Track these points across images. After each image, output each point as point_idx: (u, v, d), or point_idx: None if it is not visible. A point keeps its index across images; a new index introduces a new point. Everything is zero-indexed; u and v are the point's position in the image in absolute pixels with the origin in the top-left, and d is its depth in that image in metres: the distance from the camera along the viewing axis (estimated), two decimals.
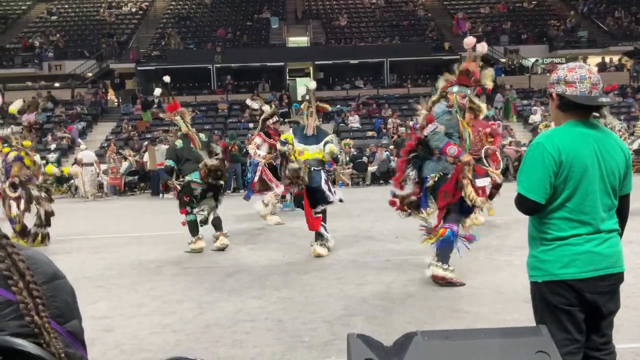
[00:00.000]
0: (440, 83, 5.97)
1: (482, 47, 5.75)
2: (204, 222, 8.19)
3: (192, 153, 7.95)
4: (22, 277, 1.40)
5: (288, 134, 8.04)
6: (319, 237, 7.48)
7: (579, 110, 2.48)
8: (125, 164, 19.41)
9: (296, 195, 7.64)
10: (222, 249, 7.93)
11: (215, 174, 7.85)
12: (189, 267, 6.93)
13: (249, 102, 8.29)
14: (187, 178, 7.93)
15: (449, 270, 5.62)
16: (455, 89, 5.78)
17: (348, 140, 19.76)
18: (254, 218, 11.35)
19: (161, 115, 9.67)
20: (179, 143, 8.08)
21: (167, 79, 8.87)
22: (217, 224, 8.10)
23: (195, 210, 8.10)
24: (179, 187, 8.10)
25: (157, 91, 9.36)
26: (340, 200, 7.85)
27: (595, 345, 2.54)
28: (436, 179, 5.76)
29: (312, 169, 7.41)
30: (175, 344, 4.16)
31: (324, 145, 7.56)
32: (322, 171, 7.55)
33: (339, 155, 8.32)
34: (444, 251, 5.67)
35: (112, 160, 19.01)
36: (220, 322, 4.69)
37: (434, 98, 6.00)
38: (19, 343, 1.32)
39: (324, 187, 7.48)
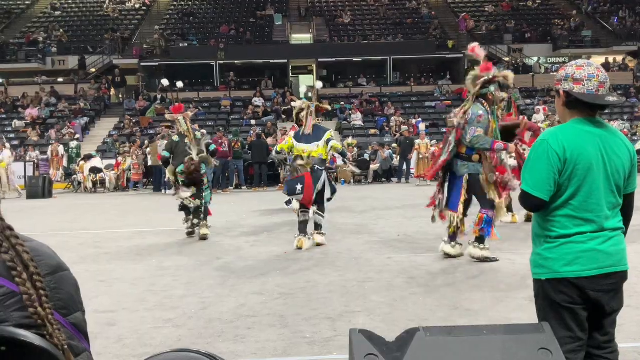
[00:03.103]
0: (470, 88, 6.45)
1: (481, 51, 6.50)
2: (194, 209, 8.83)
3: (184, 148, 8.76)
4: (26, 269, 1.40)
5: (284, 142, 8.25)
6: (318, 227, 7.85)
7: (586, 108, 2.47)
8: (129, 160, 19.41)
9: (292, 180, 7.75)
10: (203, 239, 8.49)
11: (190, 176, 8.62)
12: (190, 263, 6.94)
13: (294, 104, 8.65)
14: (178, 169, 8.76)
15: (485, 249, 6.45)
16: (492, 87, 6.33)
17: (351, 139, 19.59)
18: (256, 214, 11.37)
19: (167, 116, 10.35)
20: (175, 137, 8.93)
21: (165, 82, 9.86)
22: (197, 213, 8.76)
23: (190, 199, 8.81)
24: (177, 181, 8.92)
25: (165, 81, 10.22)
26: (328, 199, 8.15)
27: (598, 343, 2.54)
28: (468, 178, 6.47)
29: (315, 168, 7.64)
30: (178, 339, 4.17)
31: (327, 143, 7.78)
32: (324, 171, 7.80)
33: (345, 150, 8.70)
34: (484, 233, 6.41)
35: (135, 156, 19.03)
36: (222, 317, 4.69)
37: (467, 104, 6.48)
38: (22, 334, 1.32)
39: (320, 187, 7.74)
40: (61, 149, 20.51)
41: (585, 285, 2.42)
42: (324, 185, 7.80)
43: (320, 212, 7.88)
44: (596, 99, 2.44)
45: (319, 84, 8.83)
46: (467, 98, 6.59)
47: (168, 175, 9.07)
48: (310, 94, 8.58)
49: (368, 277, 5.94)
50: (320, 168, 7.72)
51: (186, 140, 8.78)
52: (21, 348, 1.32)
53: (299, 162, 7.61)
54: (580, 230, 2.44)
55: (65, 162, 20.34)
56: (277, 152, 8.30)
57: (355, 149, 19.93)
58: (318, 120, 8.25)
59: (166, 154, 8.94)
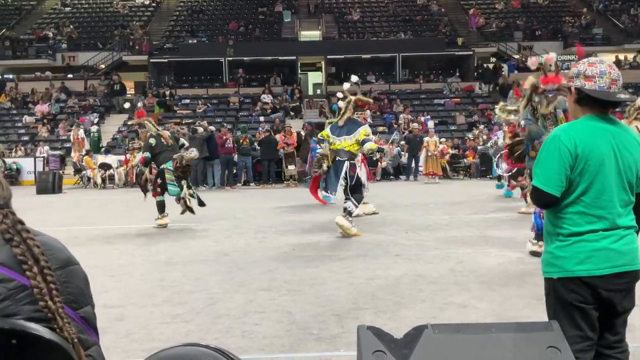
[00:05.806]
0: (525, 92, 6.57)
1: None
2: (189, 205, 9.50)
3: (166, 146, 9.44)
4: (36, 262, 1.40)
5: (325, 130, 8.72)
6: (347, 212, 8.11)
7: (597, 105, 2.46)
8: (138, 156, 19.43)
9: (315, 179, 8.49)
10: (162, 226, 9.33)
11: (184, 169, 9.30)
12: (198, 259, 6.96)
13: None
14: (162, 166, 9.36)
15: (537, 245, 6.48)
16: (537, 98, 6.39)
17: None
18: (264, 210, 11.37)
19: (130, 121, 11.36)
20: (152, 141, 9.51)
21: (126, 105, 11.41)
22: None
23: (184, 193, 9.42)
24: (150, 178, 9.67)
25: (125, 104, 11.65)
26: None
27: (608, 343, 2.52)
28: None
29: (337, 159, 8.03)
30: (186, 334, 4.19)
31: (363, 145, 8.05)
32: (346, 162, 8.05)
33: (380, 147, 9.12)
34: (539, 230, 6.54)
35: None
36: (230, 313, 4.70)
37: (519, 107, 6.69)
38: (32, 327, 1.33)
39: (341, 178, 8.02)
40: (82, 132, 20.68)
41: (598, 284, 2.41)
42: (356, 176, 8.04)
43: (353, 200, 8.09)
44: (607, 95, 2.43)
45: (355, 78, 9.16)
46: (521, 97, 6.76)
47: (145, 172, 9.82)
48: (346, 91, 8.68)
49: (376, 275, 5.93)
50: (341, 159, 8.02)
51: (162, 140, 9.45)
52: (32, 341, 1.32)
53: (321, 150, 8.15)
54: (593, 227, 2.42)
55: (87, 146, 20.48)
56: (320, 141, 8.84)
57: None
58: (357, 115, 8.60)
59: (148, 155, 9.52)
